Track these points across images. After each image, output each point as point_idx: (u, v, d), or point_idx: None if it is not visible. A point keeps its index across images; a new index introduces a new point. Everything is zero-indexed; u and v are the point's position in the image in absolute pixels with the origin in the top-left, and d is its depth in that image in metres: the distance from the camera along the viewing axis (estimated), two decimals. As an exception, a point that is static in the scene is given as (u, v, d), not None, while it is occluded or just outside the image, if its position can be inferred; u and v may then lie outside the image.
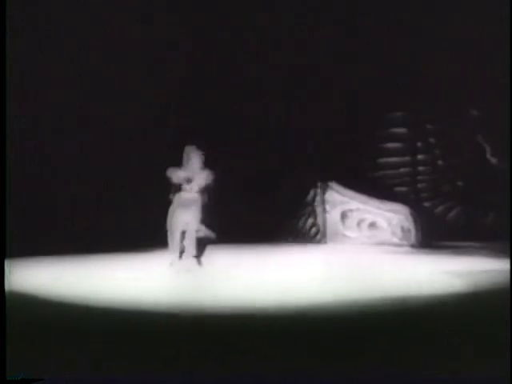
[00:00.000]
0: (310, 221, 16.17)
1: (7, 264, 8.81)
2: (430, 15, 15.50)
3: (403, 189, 16.34)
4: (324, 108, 15.89)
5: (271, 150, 16.09)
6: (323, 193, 16.10)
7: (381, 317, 8.50)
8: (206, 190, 11.96)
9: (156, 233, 11.95)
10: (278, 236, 15.24)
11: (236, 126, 15.74)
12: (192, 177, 11.94)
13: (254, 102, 15.96)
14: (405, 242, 15.20)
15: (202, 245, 11.96)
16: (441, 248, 14.50)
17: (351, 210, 15.77)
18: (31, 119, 15.19)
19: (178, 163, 11.99)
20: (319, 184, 16.12)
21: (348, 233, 15.77)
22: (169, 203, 11.93)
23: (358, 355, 7.00)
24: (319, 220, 16.11)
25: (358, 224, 15.68)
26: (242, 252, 13.93)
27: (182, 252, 11.96)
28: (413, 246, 15.07)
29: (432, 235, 15.09)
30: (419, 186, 16.42)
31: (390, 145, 16.43)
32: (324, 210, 16.05)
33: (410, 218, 15.24)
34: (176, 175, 11.97)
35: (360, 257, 14.07)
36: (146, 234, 12.97)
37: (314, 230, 16.13)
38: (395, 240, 15.33)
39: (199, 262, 11.99)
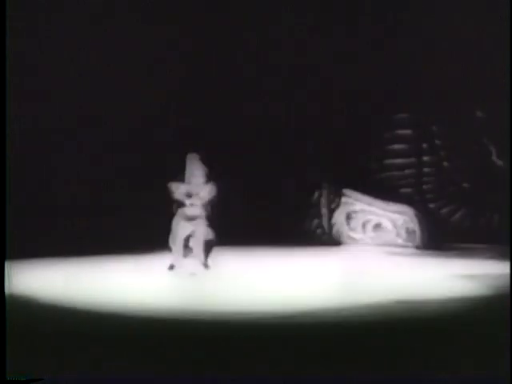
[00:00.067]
0: (315, 222, 16.16)
1: (7, 266, 8.79)
2: (439, 14, 15.47)
3: (408, 190, 16.25)
4: (330, 109, 15.89)
5: (274, 151, 16.06)
6: (328, 194, 16.10)
7: (385, 320, 8.48)
8: (209, 204, 11.76)
9: (156, 234, 11.89)
10: (282, 238, 15.03)
11: (238, 127, 15.73)
12: (195, 192, 11.69)
13: (260, 103, 15.96)
14: (410, 244, 15.20)
15: (207, 248, 11.80)
16: (446, 250, 14.46)
17: (356, 212, 15.76)
18: (31, 119, 15.17)
19: (178, 164, 11.79)
20: (324, 185, 16.13)
21: (353, 234, 15.76)
22: (169, 203, 11.78)
23: (364, 357, 7.02)
24: (324, 221, 16.11)
25: (363, 225, 15.67)
26: (247, 255, 13.78)
27: (185, 256, 11.77)
28: (418, 247, 15.06)
29: (437, 237, 15.07)
30: (424, 187, 16.33)
31: (396, 146, 16.36)
32: (329, 212, 16.05)
33: (415, 220, 15.22)
34: (179, 191, 11.74)
35: (365, 259, 14.04)
36: (146, 235, 12.96)
37: (319, 231, 16.11)
38: (400, 241, 15.33)
39: (205, 266, 11.79)
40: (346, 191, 15.82)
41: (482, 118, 15.95)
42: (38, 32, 15.18)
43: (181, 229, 11.73)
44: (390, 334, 7.84)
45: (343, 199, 15.86)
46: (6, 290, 8.59)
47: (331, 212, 16.06)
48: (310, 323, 8.30)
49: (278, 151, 16.08)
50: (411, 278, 11.49)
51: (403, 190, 16.23)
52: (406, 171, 16.35)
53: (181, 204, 11.74)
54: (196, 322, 8.40)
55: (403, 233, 15.33)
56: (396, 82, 15.76)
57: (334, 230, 15.96)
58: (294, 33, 16.16)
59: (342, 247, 15.48)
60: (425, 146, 16.37)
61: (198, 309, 9.11)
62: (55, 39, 15.22)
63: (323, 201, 16.14)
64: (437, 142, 16.35)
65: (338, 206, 15.96)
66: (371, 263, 13.49)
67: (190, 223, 11.69)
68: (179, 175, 11.74)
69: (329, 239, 15.82)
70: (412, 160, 16.38)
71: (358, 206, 15.73)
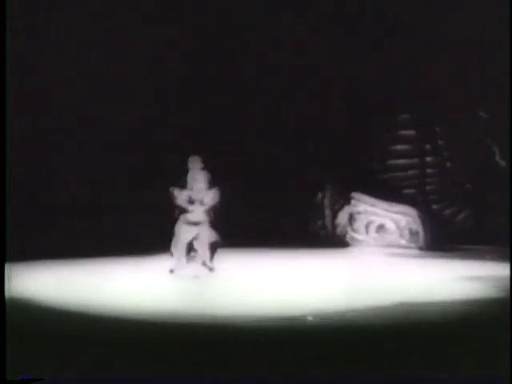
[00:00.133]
0: (319, 224, 16.15)
1: (7, 268, 8.77)
2: (442, 17, 15.44)
3: (411, 191, 16.23)
4: (333, 109, 15.89)
5: (275, 152, 16.05)
6: (331, 195, 16.10)
7: (387, 322, 8.47)
8: (212, 210, 11.64)
9: (158, 236, 11.84)
10: (284, 240, 14.88)
11: (240, 127, 15.73)
12: (198, 198, 11.57)
13: (260, 102, 15.96)
14: (413, 245, 15.20)
15: (211, 251, 11.69)
16: (449, 251, 14.45)
17: (359, 213, 15.77)
18: (31, 119, 15.17)
19: (179, 164, 11.71)
20: (327, 186, 16.13)
21: (356, 235, 15.76)
22: (170, 205, 11.64)
23: (366, 358, 7.04)
24: (327, 223, 16.11)
25: (366, 226, 15.67)
26: (250, 257, 13.70)
27: (188, 259, 11.66)
28: (421, 248, 15.07)
29: (440, 238, 15.05)
30: (428, 188, 16.28)
31: (399, 147, 16.33)
32: (332, 213, 16.05)
33: (419, 221, 15.23)
34: (181, 197, 11.60)
35: (369, 261, 14.02)
36: (148, 237, 12.93)
37: (322, 232, 16.08)
38: (403, 242, 15.33)
39: (210, 269, 11.67)
40: (349, 192, 15.81)
41: (485, 119, 15.92)
42: (38, 32, 15.17)
43: (183, 233, 11.62)
44: (391, 335, 7.86)
45: (346, 200, 15.86)
46: (6, 292, 8.58)
47: (334, 213, 16.07)
48: (314, 326, 8.28)
49: (280, 152, 16.07)
50: (414, 281, 11.44)
51: (406, 191, 16.19)
52: (409, 172, 16.30)
53: (183, 210, 11.61)
54: (200, 325, 8.33)
55: (406, 234, 15.33)
56: (399, 82, 15.75)
57: (338, 231, 15.96)
58: (294, 33, 16.15)
59: (345, 249, 15.42)
60: (428, 146, 16.32)
61: (203, 312, 9.02)
62: (55, 39, 15.22)
63: (326, 202, 16.15)
64: (440, 142, 16.30)
65: (341, 207, 15.97)
66: (375, 265, 13.46)
67: (194, 227, 11.58)
68: (180, 178, 11.63)
69: (332, 241, 15.77)
70: (415, 161, 16.33)
71: (361, 207, 15.73)
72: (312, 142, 16.12)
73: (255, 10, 16.10)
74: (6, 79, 9.52)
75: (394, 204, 15.50)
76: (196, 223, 11.58)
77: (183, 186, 11.65)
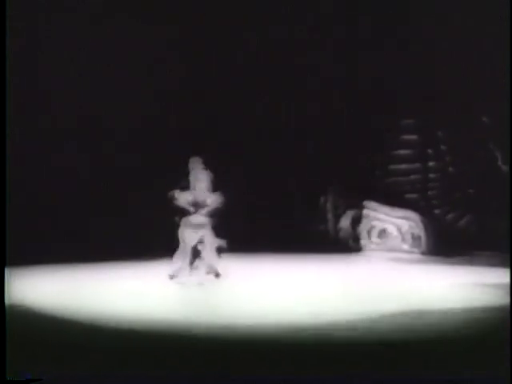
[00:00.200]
0: (321, 228, 16.13)
1: (7, 272, 8.74)
2: (444, 22, 15.43)
3: (414, 196, 16.22)
4: (335, 114, 15.89)
5: (279, 157, 16.03)
6: (333, 200, 16.10)
7: (391, 327, 8.47)
8: (215, 213, 11.47)
9: (160, 241, 11.75)
10: (286, 244, 14.78)
11: (240, 129, 15.73)
12: (201, 199, 11.37)
13: (261, 103, 15.97)
14: (415, 249, 15.20)
15: (217, 256, 11.48)
16: (451, 256, 14.41)
17: (362, 217, 15.76)
18: (31, 119, 15.17)
19: (179, 166, 11.53)
20: (329, 191, 16.13)
21: (358, 240, 15.75)
22: (172, 208, 11.46)
23: (367, 358, 7.08)
24: (330, 227, 16.12)
25: (369, 231, 15.67)
26: (252, 262, 13.51)
27: (192, 265, 11.42)
28: (423, 253, 15.06)
29: (442, 243, 15.04)
30: (430, 192, 16.27)
31: (401, 151, 16.34)
32: (334, 218, 16.05)
33: (421, 225, 15.23)
34: (183, 198, 11.41)
35: (371, 266, 13.96)
36: (150, 242, 12.87)
37: (324, 237, 16.03)
38: (405, 247, 15.33)
39: (217, 275, 11.46)
40: (352, 197, 15.81)
41: (488, 124, 15.89)
42: (38, 32, 15.17)
43: (188, 237, 11.41)
44: (393, 340, 7.88)
45: (348, 205, 15.87)
46: (6, 297, 8.55)
47: (337, 218, 16.06)
48: (319, 334, 8.19)
49: (281, 157, 16.04)
50: (416, 287, 11.37)
51: (408, 196, 16.17)
52: (412, 177, 16.29)
53: (185, 213, 11.43)
54: (205, 334, 8.19)
55: (409, 238, 15.32)
56: (401, 87, 15.74)
57: (340, 236, 15.96)
58: (294, 34, 16.13)
59: (347, 254, 15.30)
60: (430, 151, 16.31)
61: (209, 320, 8.87)
62: (55, 39, 15.22)
63: (329, 207, 16.16)
64: (442, 147, 16.29)
65: (343, 211, 15.96)
66: (377, 271, 13.39)
67: (197, 232, 11.38)
68: (181, 180, 11.48)
69: (334, 245, 15.69)
70: (417, 166, 16.32)
71: (363, 212, 15.73)
72: (314, 146, 16.10)
73: (255, 10, 16.08)
74: (6, 79, 9.51)
75: (396, 209, 15.50)
76: (199, 225, 11.39)
77: (184, 187, 11.48)
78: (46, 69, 15.15)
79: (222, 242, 11.47)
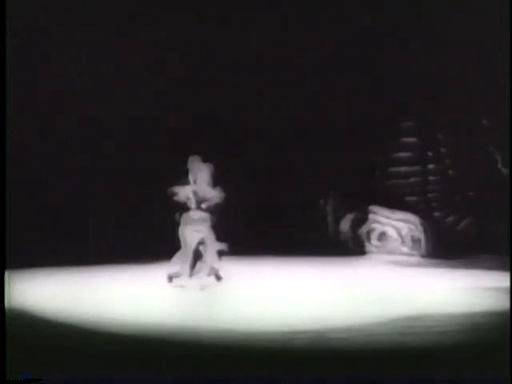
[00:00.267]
0: (321, 231, 16.12)
1: (7, 275, 8.72)
2: (444, 26, 15.42)
3: (413, 198, 16.25)
4: (335, 117, 15.88)
5: (279, 160, 16.01)
6: (333, 203, 16.10)
7: (390, 330, 8.48)
8: (216, 209, 11.30)
9: (160, 243, 11.62)
10: (286, 247, 14.66)
11: (240, 129, 15.71)
12: (202, 192, 11.21)
13: (260, 105, 15.97)
14: (415, 252, 15.21)
15: (218, 259, 11.32)
16: (451, 259, 14.40)
17: (361, 220, 15.76)
18: (31, 119, 15.16)
19: (179, 166, 11.47)
20: (329, 194, 16.12)
21: (358, 242, 15.74)
22: (171, 211, 11.34)
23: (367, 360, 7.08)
24: (329, 230, 16.12)
25: (368, 234, 15.67)
26: (252, 265, 13.40)
27: (194, 268, 11.21)
28: (423, 256, 15.07)
29: (442, 246, 15.04)
30: (430, 195, 16.32)
31: (401, 154, 16.36)
32: (334, 220, 16.05)
33: (420, 228, 15.25)
34: (184, 193, 11.23)
35: (371, 269, 13.94)
36: (150, 244, 12.80)
37: (324, 239, 16.02)
38: (405, 250, 15.34)
39: (218, 278, 11.31)
40: (351, 200, 15.81)
41: (488, 127, 15.90)
42: (38, 32, 15.16)
43: (188, 238, 11.24)
44: (390, 340, 7.90)
45: (348, 208, 15.87)
46: (6, 300, 8.54)
47: (337, 221, 16.06)
48: (316, 337, 8.18)
49: (281, 160, 16.02)
50: (415, 290, 11.38)
51: (408, 199, 16.19)
52: (411, 179, 16.33)
53: (184, 209, 11.29)
54: (207, 338, 8.14)
55: (408, 241, 15.33)
56: (401, 90, 15.73)
57: (340, 238, 15.95)
58: (294, 35, 16.12)
59: (347, 257, 15.23)
60: (430, 154, 16.33)
61: (209, 324, 8.77)
62: (55, 39, 15.22)
63: (328, 209, 16.16)
64: (442, 150, 16.31)
65: (343, 214, 15.96)
66: (376, 274, 13.38)
67: (198, 231, 11.18)
68: (182, 178, 11.41)
69: (334, 248, 15.64)
70: (417, 168, 16.36)
71: (363, 215, 15.72)
72: (313, 149, 16.09)
73: (255, 10, 16.08)
74: (6, 79, 9.50)
75: (395, 211, 15.50)
76: (200, 220, 11.18)
77: (185, 184, 11.35)
78: (45, 69, 15.14)
79: (223, 246, 11.32)
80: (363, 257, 15.33)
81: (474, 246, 15.08)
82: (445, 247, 14.97)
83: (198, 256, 11.32)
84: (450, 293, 10.93)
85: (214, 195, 11.28)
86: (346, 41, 16.09)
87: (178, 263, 11.31)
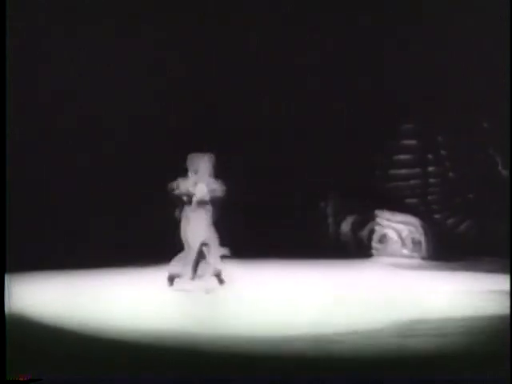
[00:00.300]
0: (321, 233, 16.11)
1: (7, 278, 8.70)
2: (444, 28, 15.41)
3: (414, 200, 16.26)
4: (335, 119, 15.88)
5: (278, 161, 16.00)
6: (333, 205, 16.10)
7: (391, 333, 8.47)
8: (217, 201, 11.08)
9: (162, 244, 11.54)
10: (286, 250, 14.65)
11: (240, 131, 15.71)
12: (204, 183, 11.01)
13: (268, 113, 15.98)
14: (415, 254, 15.21)
15: (219, 262, 11.10)
16: (451, 261, 14.40)
17: (362, 222, 15.77)
18: (31, 120, 15.16)
19: (180, 169, 11.39)
20: (330, 196, 16.12)
21: (359, 245, 15.74)
22: (171, 214, 11.20)
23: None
24: (329, 232, 16.12)
25: (369, 236, 15.67)
26: (253, 268, 13.29)
27: (195, 269, 10.98)
28: (423, 258, 15.08)
29: (442, 248, 15.05)
30: (430, 198, 16.33)
31: (401, 156, 16.38)
32: (334, 222, 16.05)
33: (421, 230, 15.27)
34: (185, 186, 11.03)
35: (372, 272, 13.93)
36: (152, 246, 12.74)
37: (324, 242, 16.02)
38: (405, 252, 15.35)
39: (221, 281, 11.04)
40: (352, 202, 15.82)
41: (488, 129, 15.91)
42: (38, 32, 15.16)
43: (191, 238, 10.97)
44: (390, 343, 7.91)
45: (348, 210, 15.88)
46: (6, 302, 8.52)
47: (337, 223, 16.06)
48: (317, 340, 8.13)
49: (281, 161, 16.01)
50: (416, 293, 11.37)
51: (408, 201, 16.20)
52: (412, 182, 16.33)
53: (185, 202, 11.02)
54: (210, 344, 8.01)
55: (409, 243, 15.35)
56: (401, 92, 15.73)
57: (340, 241, 15.95)
58: (294, 36, 16.11)
59: (347, 259, 15.20)
60: (430, 156, 16.34)
61: (212, 330, 8.58)
62: (55, 39, 15.21)
63: (329, 212, 16.16)
64: (442, 152, 16.32)
65: (343, 216, 15.97)
66: (377, 276, 13.37)
67: (200, 226, 10.92)
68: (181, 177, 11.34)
69: (334, 250, 15.66)
70: (417, 170, 16.37)
71: (363, 217, 15.73)
72: (313, 151, 16.08)
73: (255, 10, 16.08)
74: (6, 79, 9.50)
75: (396, 213, 15.51)
76: (202, 216, 10.88)
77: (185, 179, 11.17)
78: (45, 69, 15.14)
79: (226, 251, 11.17)
80: (363, 259, 15.30)
81: (474, 248, 15.07)
82: (445, 249, 14.97)
83: (200, 257, 11.11)
84: (450, 295, 10.94)
85: (217, 187, 11.06)
86: (346, 41, 16.08)
87: (179, 265, 11.11)
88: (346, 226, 15.98)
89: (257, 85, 16.02)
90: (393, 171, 16.39)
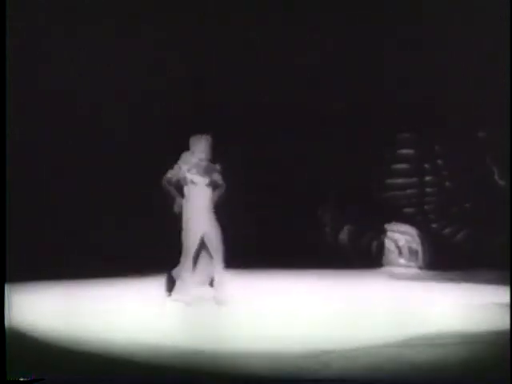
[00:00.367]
0: (317, 242, 16.09)
1: (7, 288, 8.67)
2: (443, 38, 15.39)
3: (411, 210, 16.27)
4: (332, 128, 15.87)
5: (276, 170, 15.99)
6: (331, 214, 16.10)
7: (387, 344, 8.43)
8: (219, 187, 10.68)
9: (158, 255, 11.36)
10: (283, 259, 14.25)
11: (240, 130, 15.70)
12: (201, 170, 10.61)
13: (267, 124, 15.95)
14: (412, 264, 15.23)
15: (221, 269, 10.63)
16: (448, 270, 14.37)
17: (358, 232, 15.77)
18: (31, 120, 15.15)
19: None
20: (326, 205, 16.12)
21: (355, 254, 15.73)
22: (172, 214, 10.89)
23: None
24: (326, 241, 16.12)
25: (366, 245, 15.67)
26: (251, 278, 13.03)
27: (193, 275, 10.54)
28: (420, 267, 15.09)
29: (439, 257, 15.05)
30: (427, 207, 16.34)
31: (398, 166, 16.40)
32: (331, 232, 16.05)
33: (418, 240, 15.32)
34: (182, 171, 10.57)
35: (368, 281, 13.89)
36: (154, 255, 12.62)
37: (321, 251, 15.97)
38: (402, 261, 15.37)
39: (219, 291, 10.46)
40: (349, 211, 15.82)
41: (485, 139, 15.92)
42: (38, 32, 15.16)
43: (192, 230, 10.41)
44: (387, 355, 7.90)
45: (345, 220, 15.88)
46: (6, 312, 8.50)
47: (334, 233, 16.06)
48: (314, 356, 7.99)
49: (279, 171, 15.99)
50: (413, 304, 11.33)
51: (405, 210, 16.20)
52: (408, 191, 16.34)
53: (183, 194, 10.61)
54: (210, 360, 7.81)
55: (406, 253, 15.36)
56: (398, 101, 15.72)
57: (336, 250, 15.95)
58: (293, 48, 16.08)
59: (344, 269, 15.00)
60: (427, 165, 16.37)
61: (213, 346, 8.34)
62: (55, 39, 15.21)
63: (326, 221, 16.16)
64: (439, 161, 16.34)
65: (340, 226, 15.97)
66: (374, 287, 13.29)
67: (202, 216, 10.43)
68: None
69: (331, 259, 15.51)
70: (414, 180, 16.37)
71: (360, 226, 15.74)
72: (310, 160, 16.06)
73: (255, 10, 16.07)
74: (6, 79, 9.49)
75: (393, 223, 15.53)
76: (202, 204, 10.49)
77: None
78: (45, 69, 15.14)
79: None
80: (360, 269, 15.20)
81: (471, 258, 15.02)
82: (442, 259, 14.98)
83: (202, 248, 10.68)
84: (448, 306, 10.90)
85: (214, 169, 10.69)
86: (345, 41, 16.08)
87: (179, 272, 10.73)
88: (342, 236, 15.98)
89: (257, 85, 16.01)
90: (389, 180, 16.41)
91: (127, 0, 15.65)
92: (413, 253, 15.31)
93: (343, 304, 11.26)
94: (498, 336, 8.62)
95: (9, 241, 8.62)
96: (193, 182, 10.72)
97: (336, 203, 16.17)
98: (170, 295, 10.75)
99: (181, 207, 10.78)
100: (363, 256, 15.67)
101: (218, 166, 10.88)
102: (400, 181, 16.36)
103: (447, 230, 16.08)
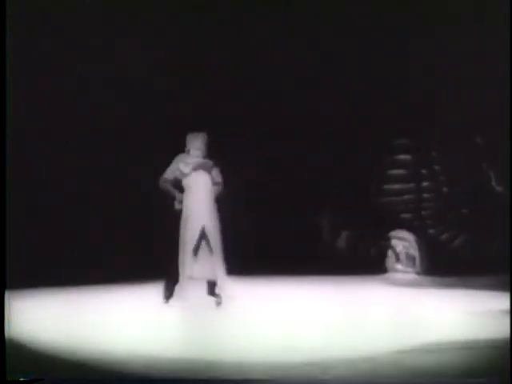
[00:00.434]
0: (315, 248, 16.08)
1: (7, 295, 8.64)
2: (441, 41, 15.39)
3: (408, 216, 16.28)
4: (329, 132, 15.87)
5: (273, 179, 15.97)
6: (328, 220, 16.11)
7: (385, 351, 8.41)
8: (217, 184, 10.72)
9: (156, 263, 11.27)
10: (282, 266, 14.06)
11: (240, 131, 15.70)
12: (198, 166, 10.61)
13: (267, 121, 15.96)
14: (409, 269, 15.25)
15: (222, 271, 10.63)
16: (446, 276, 14.37)
17: (356, 237, 15.79)
18: (31, 120, 15.14)
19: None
20: (324, 211, 16.13)
21: (352, 260, 15.75)
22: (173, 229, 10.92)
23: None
24: (324, 247, 16.13)
25: (364, 251, 15.68)
26: (250, 284, 12.74)
27: (195, 254, 10.44)
28: (418, 273, 15.11)
29: (437, 262, 15.08)
30: (424, 213, 16.36)
31: (395, 171, 16.41)
32: (328, 238, 16.07)
33: (415, 245, 15.32)
34: (181, 169, 10.64)
35: (366, 287, 13.88)
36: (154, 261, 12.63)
37: (317, 258, 15.95)
38: (400, 267, 15.38)
39: (218, 297, 10.41)
40: (346, 217, 15.84)
41: (482, 144, 15.94)
42: (38, 32, 15.14)
43: (190, 224, 10.38)
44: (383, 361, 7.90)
45: (342, 225, 15.90)
46: (6, 318, 8.47)
47: (331, 238, 16.07)
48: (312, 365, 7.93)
49: (277, 178, 15.97)
50: (410, 310, 11.34)
51: (403, 216, 16.22)
52: (405, 197, 16.36)
53: (182, 190, 10.64)
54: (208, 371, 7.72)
55: (403, 258, 15.39)
56: (396, 107, 15.72)
57: (333, 256, 15.95)
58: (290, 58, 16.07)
59: (341, 276, 14.81)
60: (424, 171, 16.39)
61: (211, 356, 8.24)
62: (55, 39, 15.20)
63: (323, 227, 16.17)
64: (436, 167, 16.36)
65: (337, 232, 15.98)
66: (372, 293, 13.28)
67: (201, 215, 10.42)
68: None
69: (329, 266, 15.48)
70: (411, 185, 16.38)
71: (357, 232, 15.75)
72: (308, 166, 16.06)
73: (255, 10, 16.07)
74: (6, 79, 9.48)
75: (390, 228, 15.54)
76: (201, 202, 10.51)
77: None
78: (45, 69, 15.13)
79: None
80: (357, 275, 15.16)
81: (468, 264, 15.02)
82: (440, 264, 14.99)
83: (203, 238, 10.64)
84: (446, 311, 10.89)
85: (215, 172, 10.66)
86: (345, 40, 16.07)
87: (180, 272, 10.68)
88: (340, 242, 15.99)
89: (257, 85, 16.01)
90: (387, 186, 16.43)
91: (127, 0, 15.62)
92: (410, 259, 15.34)
93: (341, 310, 11.28)
94: (497, 342, 8.62)
95: (9, 247, 8.60)
96: (190, 179, 10.78)
97: (333, 209, 16.18)
98: (167, 302, 10.73)
99: (181, 203, 10.81)
100: (361, 262, 15.67)
101: (214, 163, 10.95)
102: (397, 186, 16.39)
103: (445, 236, 16.10)
